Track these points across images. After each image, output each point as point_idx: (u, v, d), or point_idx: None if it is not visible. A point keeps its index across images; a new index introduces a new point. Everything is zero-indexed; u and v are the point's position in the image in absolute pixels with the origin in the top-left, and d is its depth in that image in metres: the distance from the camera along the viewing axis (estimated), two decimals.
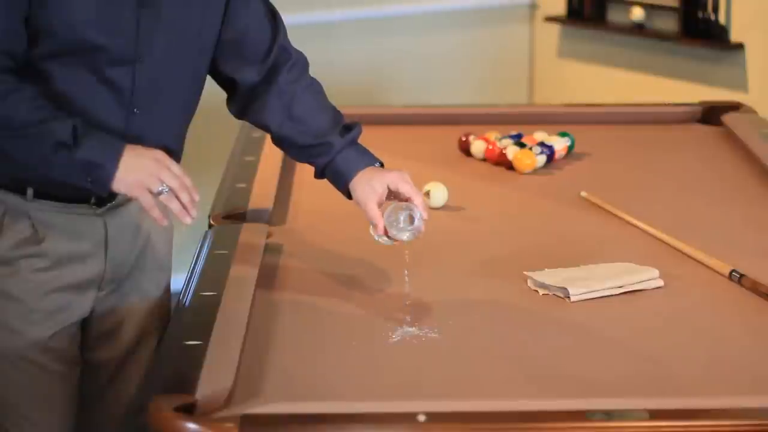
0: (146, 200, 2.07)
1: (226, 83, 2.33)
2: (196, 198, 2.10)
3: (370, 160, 2.29)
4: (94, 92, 2.10)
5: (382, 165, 2.30)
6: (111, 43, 2.08)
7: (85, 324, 2.28)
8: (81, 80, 2.09)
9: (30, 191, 2.15)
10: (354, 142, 2.31)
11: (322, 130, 2.30)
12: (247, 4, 2.28)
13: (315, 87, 2.36)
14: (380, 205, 2.22)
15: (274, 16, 2.33)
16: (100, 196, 2.19)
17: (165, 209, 2.10)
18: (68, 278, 2.19)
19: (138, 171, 2.05)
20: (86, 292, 2.23)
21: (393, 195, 2.24)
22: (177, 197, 2.07)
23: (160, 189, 2.07)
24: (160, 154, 2.09)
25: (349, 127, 2.32)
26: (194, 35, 2.20)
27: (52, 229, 2.16)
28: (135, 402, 2.30)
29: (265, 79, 2.30)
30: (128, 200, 2.26)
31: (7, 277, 2.16)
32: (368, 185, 2.22)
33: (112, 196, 2.22)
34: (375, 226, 2.21)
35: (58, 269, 2.18)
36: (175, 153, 2.23)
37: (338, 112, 2.35)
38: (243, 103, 2.32)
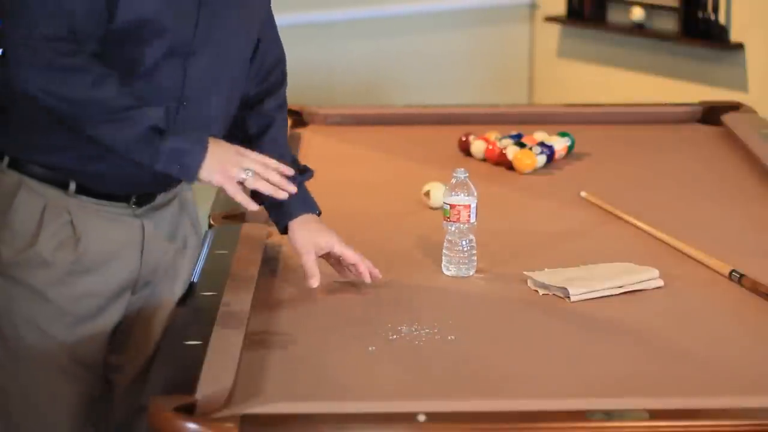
0: (230, 187, 2.12)
1: None
2: (289, 172, 2.18)
3: (313, 206, 2.38)
4: (148, 80, 2.11)
5: (319, 213, 2.39)
6: (171, 32, 2.10)
7: (114, 327, 2.26)
8: (136, 68, 2.10)
9: (73, 185, 2.15)
10: (303, 183, 2.39)
11: (285, 159, 2.36)
12: (271, 22, 2.36)
13: (285, 123, 2.44)
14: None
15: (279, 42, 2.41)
16: (141, 195, 2.20)
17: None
18: (104, 281, 2.18)
19: (221, 161, 2.11)
20: (120, 297, 2.22)
21: (331, 256, 2.35)
22: (265, 179, 2.14)
23: (243, 176, 2.12)
24: (239, 147, 2.15)
25: (305, 169, 2.41)
26: (244, 38, 2.25)
27: (90, 229, 2.16)
28: (136, 402, 2.30)
29: (256, 97, 2.36)
30: (166, 203, 2.26)
31: (43, 278, 2.15)
32: (311, 237, 2.33)
33: (152, 196, 2.23)
34: (309, 279, 2.30)
35: (94, 272, 2.17)
36: None
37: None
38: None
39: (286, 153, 2.37)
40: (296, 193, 2.30)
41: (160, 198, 2.26)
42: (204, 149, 2.09)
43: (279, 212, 2.36)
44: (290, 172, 2.18)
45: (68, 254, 2.15)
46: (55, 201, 2.15)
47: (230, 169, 2.11)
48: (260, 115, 2.36)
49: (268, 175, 2.14)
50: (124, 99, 2.06)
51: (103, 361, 2.28)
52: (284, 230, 2.37)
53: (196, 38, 2.14)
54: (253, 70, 2.34)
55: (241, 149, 2.15)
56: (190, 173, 2.10)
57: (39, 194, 2.15)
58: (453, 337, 2.11)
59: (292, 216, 2.35)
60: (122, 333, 2.28)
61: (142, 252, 2.22)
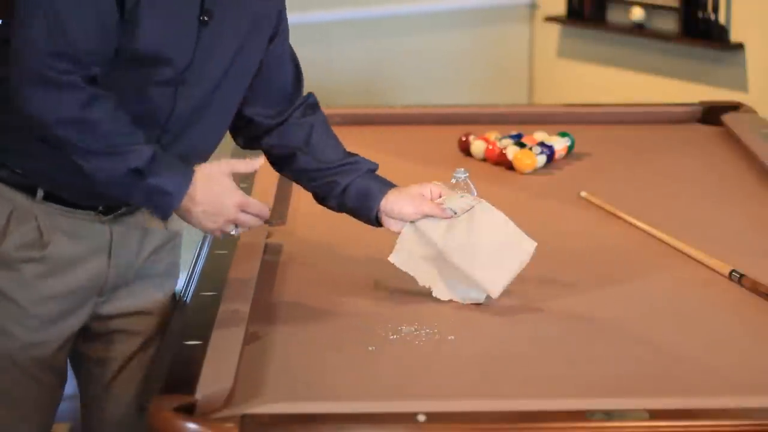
0: (213, 233, 2.12)
1: (241, 121, 2.31)
2: (266, 215, 2.13)
3: (390, 183, 2.31)
4: (133, 108, 2.07)
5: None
6: (175, 63, 2.07)
7: (87, 325, 2.26)
8: (128, 92, 2.06)
9: (40, 192, 2.14)
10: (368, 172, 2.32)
11: (343, 152, 2.32)
12: (283, 49, 2.30)
13: (325, 121, 2.37)
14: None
15: (296, 63, 2.35)
16: (108, 206, 2.19)
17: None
18: (70, 284, 2.17)
19: (212, 213, 2.06)
20: (86, 301, 2.21)
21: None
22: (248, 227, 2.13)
23: (228, 231, 2.10)
24: (238, 197, 2.08)
25: (354, 161, 2.33)
26: (241, 68, 2.20)
27: (57, 233, 2.15)
28: (135, 403, 2.30)
29: (281, 119, 2.31)
30: (136, 209, 2.25)
31: (8, 279, 2.15)
32: (407, 196, 2.26)
33: (120, 206, 2.21)
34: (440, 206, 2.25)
35: (60, 275, 2.16)
36: None
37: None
38: (256, 136, 2.32)
39: (334, 148, 2.32)
40: (374, 176, 2.28)
41: (129, 207, 2.22)
42: (184, 191, 2.04)
43: (365, 199, 2.27)
44: (267, 214, 2.13)
45: (34, 258, 2.15)
46: (23, 206, 2.14)
47: (221, 225, 2.08)
48: (296, 126, 2.31)
49: (253, 224, 2.12)
50: (115, 126, 2.01)
51: (84, 358, 2.29)
52: (378, 222, 2.29)
53: (191, 68, 2.10)
54: (266, 99, 2.29)
55: (241, 202, 2.08)
56: (165, 213, 2.06)
57: (7, 199, 2.14)
58: (453, 337, 2.11)
59: (381, 195, 2.27)
60: (96, 332, 2.28)
61: (110, 257, 2.22)
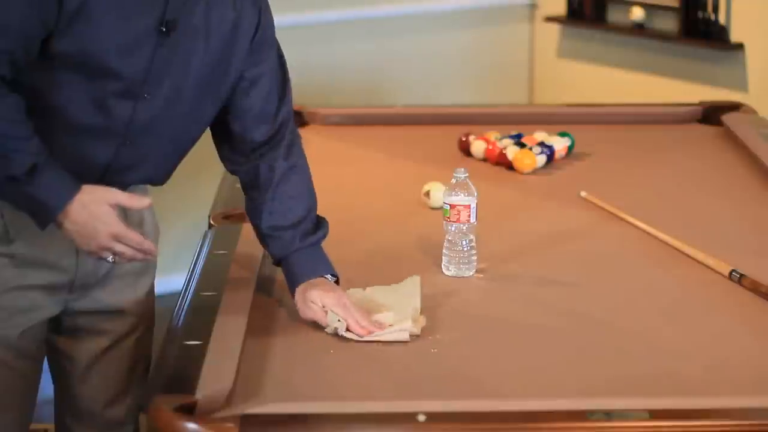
0: (90, 255, 2.08)
1: (231, 138, 2.26)
2: (152, 251, 2.08)
3: (323, 269, 2.23)
4: (91, 117, 2.06)
5: (336, 279, 2.23)
6: (124, 74, 2.04)
7: (57, 317, 2.26)
8: (82, 102, 2.05)
9: None
10: (314, 245, 2.25)
11: (285, 221, 2.25)
12: (260, 76, 2.21)
13: (301, 166, 2.29)
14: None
15: (284, 82, 2.26)
16: None
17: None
18: (36, 280, 2.17)
19: (84, 235, 2.03)
20: (55, 295, 2.21)
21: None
22: (127, 259, 2.08)
23: (105, 257, 2.06)
24: (114, 228, 2.03)
25: (317, 226, 2.28)
26: (207, 82, 2.14)
27: (23, 232, 2.14)
28: (103, 400, 2.30)
29: (269, 144, 2.24)
30: None
31: None
32: (305, 300, 2.17)
33: None
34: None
35: (26, 271, 2.16)
36: (159, 180, 2.24)
37: (313, 201, 2.29)
38: (241, 162, 2.26)
39: (296, 206, 2.26)
40: (306, 257, 2.22)
41: None
42: (59, 209, 2.01)
43: (288, 279, 2.24)
44: (154, 251, 2.08)
45: (1, 252, 2.14)
46: None
47: (95, 251, 2.05)
48: (267, 165, 2.24)
49: (131, 257, 2.07)
50: (3, 127, 1.97)
51: (57, 350, 2.29)
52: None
53: (149, 82, 2.06)
54: (252, 118, 2.22)
55: (119, 233, 2.03)
56: (41, 224, 2.04)
57: None
58: (453, 337, 2.11)
59: (298, 282, 2.21)
60: (68, 327, 2.27)
61: (77, 257, 2.19)
